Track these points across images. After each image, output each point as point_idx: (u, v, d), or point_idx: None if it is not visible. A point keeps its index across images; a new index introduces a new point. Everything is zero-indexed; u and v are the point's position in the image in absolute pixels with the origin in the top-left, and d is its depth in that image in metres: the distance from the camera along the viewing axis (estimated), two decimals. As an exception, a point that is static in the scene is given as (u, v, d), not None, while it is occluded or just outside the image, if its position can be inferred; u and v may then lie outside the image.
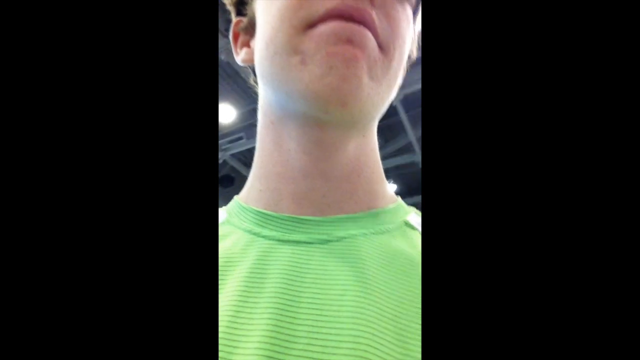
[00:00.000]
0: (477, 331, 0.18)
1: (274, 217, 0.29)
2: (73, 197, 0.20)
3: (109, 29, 0.21)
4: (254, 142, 0.34)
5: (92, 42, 0.21)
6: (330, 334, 0.23)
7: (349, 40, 0.25)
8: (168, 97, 0.21)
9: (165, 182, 0.20)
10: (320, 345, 0.23)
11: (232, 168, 4.90)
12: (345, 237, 0.27)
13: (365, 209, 0.30)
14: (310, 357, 0.22)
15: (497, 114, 0.19)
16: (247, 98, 4.15)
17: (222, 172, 4.94)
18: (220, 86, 3.85)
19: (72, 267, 0.19)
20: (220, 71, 3.65)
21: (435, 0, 0.20)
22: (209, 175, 0.21)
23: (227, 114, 4.37)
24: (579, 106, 0.19)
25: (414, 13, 0.31)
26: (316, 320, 0.24)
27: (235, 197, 0.34)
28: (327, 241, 0.27)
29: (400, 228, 0.30)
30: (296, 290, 0.25)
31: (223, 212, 0.34)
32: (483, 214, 0.19)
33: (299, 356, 0.22)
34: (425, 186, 0.20)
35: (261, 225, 0.29)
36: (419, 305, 0.24)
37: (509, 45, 0.19)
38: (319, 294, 0.25)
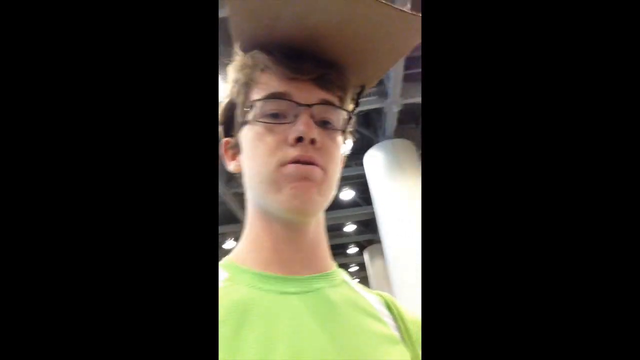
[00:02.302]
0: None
1: (270, 277, 0.45)
2: (68, 221, 0.20)
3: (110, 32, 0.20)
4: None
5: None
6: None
7: (305, 178, 0.43)
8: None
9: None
10: None
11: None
12: (319, 289, 0.46)
13: (323, 270, 0.49)
14: None
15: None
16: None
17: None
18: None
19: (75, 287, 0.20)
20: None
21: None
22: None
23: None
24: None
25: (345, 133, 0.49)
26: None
27: (232, 259, 0.48)
28: (308, 292, 0.45)
29: (343, 283, 0.50)
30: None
31: (223, 271, 0.47)
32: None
33: None
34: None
35: (262, 282, 0.45)
36: (366, 337, 0.43)
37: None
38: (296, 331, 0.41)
